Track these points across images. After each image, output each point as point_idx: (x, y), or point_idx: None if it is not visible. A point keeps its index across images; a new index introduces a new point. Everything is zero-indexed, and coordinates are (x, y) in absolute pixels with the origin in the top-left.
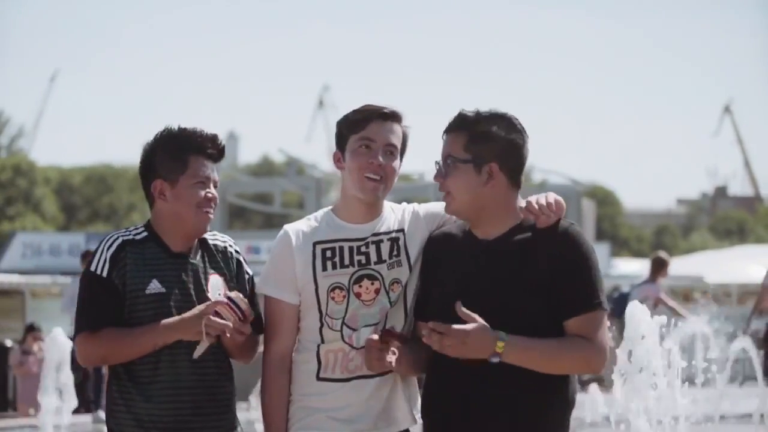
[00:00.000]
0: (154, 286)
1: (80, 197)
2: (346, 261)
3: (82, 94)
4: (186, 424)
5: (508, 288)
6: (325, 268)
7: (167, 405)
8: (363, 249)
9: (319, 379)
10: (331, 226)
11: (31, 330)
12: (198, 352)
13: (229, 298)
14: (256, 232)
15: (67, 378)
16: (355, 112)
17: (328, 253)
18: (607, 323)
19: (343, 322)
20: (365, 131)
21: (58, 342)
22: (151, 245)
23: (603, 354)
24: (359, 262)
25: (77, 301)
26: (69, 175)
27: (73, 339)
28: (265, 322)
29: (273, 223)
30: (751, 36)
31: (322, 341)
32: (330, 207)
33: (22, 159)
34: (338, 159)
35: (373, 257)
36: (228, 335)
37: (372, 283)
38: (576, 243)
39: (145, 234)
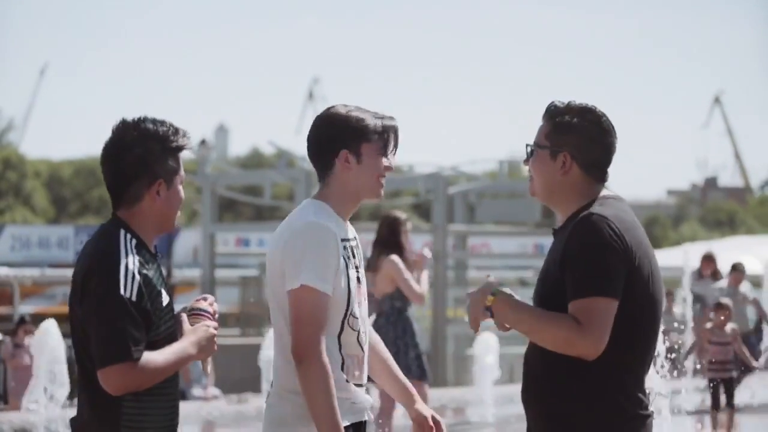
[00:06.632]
0: (165, 297)
1: (70, 190)
2: (358, 260)
3: (72, 87)
4: (174, 426)
5: (542, 276)
6: (347, 266)
7: (173, 414)
8: (357, 251)
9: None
10: (340, 225)
11: (23, 323)
12: (208, 366)
13: (204, 311)
14: (246, 224)
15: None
16: (376, 122)
17: (349, 252)
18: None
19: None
20: (388, 144)
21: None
22: (143, 251)
23: (589, 340)
24: (357, 263)
25: (107, 326)
26: (59, 168)
27: (98, 367)
28: (311, 317)
29: (263, 215)
30: (741, 27)
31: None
32: (320, 201)
33: (11, 152)
34: (346, 158)
35: (361, 260)
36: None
37: (362, 286)
38: (576, 233)
39: (135, 240)
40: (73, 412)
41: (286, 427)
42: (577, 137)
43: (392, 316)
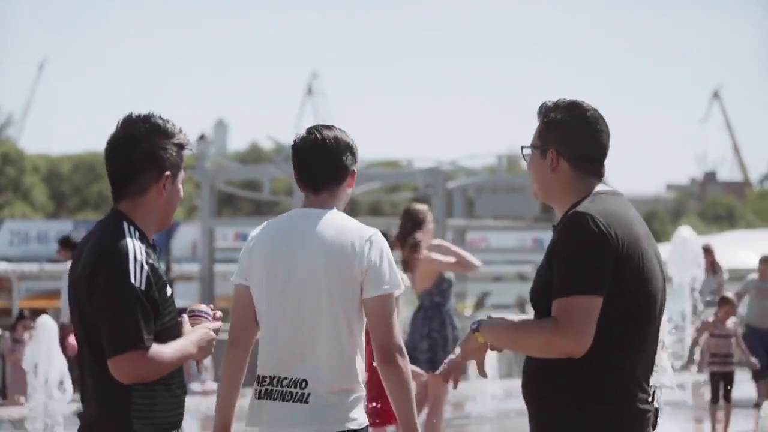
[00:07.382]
0: (168, 288)
1: (69, 185)
2: None
3: (71, 83)
4: (181, 417)
5: (537, 273)
6: None
7: (180, 405)
8: None
9: None
10: None
11: (22, 318)
12: (203, 367)
13: (205, 312)
14: (245, 219)
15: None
16: None
17: None
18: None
19: None
20: None
21: (47, 329)
22: (145, 243)
23: (569, 338)
24: None
25: (119, 315)
26: (58, 164)
27: (109, 355)
28: (395, 323)
29: (262, 210)
30: (740, 21)
31: None
32: (339, 211)
33: (10, 147)
34: (353, 179)
35: None
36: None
37: None
38: (560, 231)
39: (138, 232)
40: (72, 407)
41: (348, 423)
42: (562, 132)
43: (430, 310)
